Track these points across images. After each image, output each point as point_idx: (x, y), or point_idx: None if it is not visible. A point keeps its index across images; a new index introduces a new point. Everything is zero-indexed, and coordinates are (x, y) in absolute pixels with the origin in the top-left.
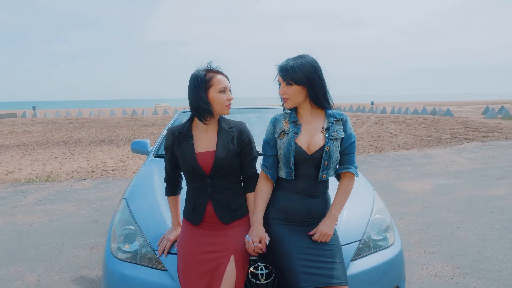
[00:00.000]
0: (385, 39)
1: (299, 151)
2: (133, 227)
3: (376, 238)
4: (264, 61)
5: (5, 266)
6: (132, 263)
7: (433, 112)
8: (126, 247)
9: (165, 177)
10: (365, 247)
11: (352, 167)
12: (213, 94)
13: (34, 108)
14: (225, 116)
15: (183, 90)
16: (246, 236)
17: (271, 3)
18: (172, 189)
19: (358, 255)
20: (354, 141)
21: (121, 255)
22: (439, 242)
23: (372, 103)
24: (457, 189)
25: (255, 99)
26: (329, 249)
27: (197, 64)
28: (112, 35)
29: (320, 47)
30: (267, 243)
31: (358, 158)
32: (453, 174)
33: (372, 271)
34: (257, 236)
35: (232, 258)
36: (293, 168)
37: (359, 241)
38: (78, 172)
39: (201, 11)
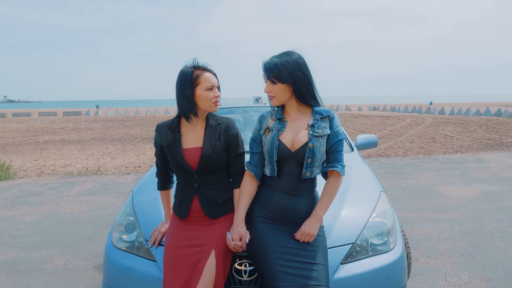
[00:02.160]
0: (448, 35)
1: (282, 148)
2: (132, 218)
3: (375, 242)
4: (323, 59)
5: (40, 250)
6: (129, 252)
7: (498, 113)
8: (124, 237)
9: (156, 171)
10: (363, 250)
11: (338, 165)
12: (200, 91)
13: (97, 107)
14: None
15: (236, 89)
16: (227, 233)
17: (328, 0)
18: (163, 184)
19: (350, 258)
20: (341, 139)
21: (120, 244)
22: (472, 252)
23: (431, 103)
24: (506, 196)
25: None
26: (312, 249)
27: (252, 63)
28: (170, 37)
29: (377, 44)
30: (247, 241)
31: (403, 160)
32: (506, 180)
33: (364, 276)
34: (237, 234)
35: (212, 252)
36: (275, 165)
37: (352, 244)
38: (126, 167)
39: (257, 11)
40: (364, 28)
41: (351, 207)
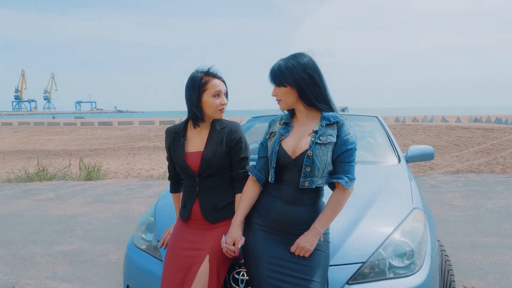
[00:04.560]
0: None
1: (282, 154)
2: (152, 219)
3: (395, 263)
4: (415, 66)
5: (101, 244)
6: (146, 252)
7: None
8: (144, 236)
9: (168, 175)
10: (381, 272)
11: (344, 177)
12: (207, 98)
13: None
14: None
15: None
16: (223, 236)
17: (416, 7)
18: (175, 187)
19: (362, 278)
20: (351, 149)
21: (140, 243)
22: None
23: None
24: None
25: (408, 109)
26: (307, 265)
27: (338, 73)
28: (258, 50)
29: (478, 49)
30: (240, 246)
31: (497, 178)
32: None
33: None
34: (231, 238)
35: (207, 257)
36: (273, 171)
37: (361, 263)
38: None
39: (344, 21)
40: (460, 33)
41: (371, 223)
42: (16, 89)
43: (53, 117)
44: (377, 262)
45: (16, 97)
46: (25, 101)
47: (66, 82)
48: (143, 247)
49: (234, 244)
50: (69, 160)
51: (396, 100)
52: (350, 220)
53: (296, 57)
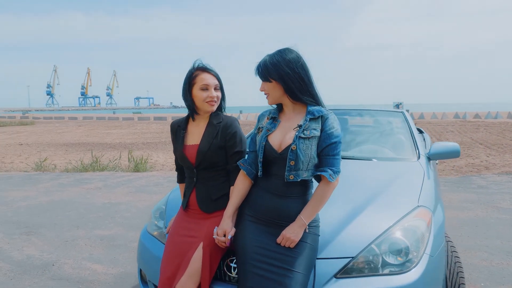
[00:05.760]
0: None
1: (268, 149)
2: (164, 207)
3: (390, 261)
4: (484, 59)
5: (135, 231)
6: (156, 239)
7: None
8: (156, 223)
9: (175, 166)
10: (375, 268)
11: (328, 170)
12: (195, 91)
13: (240, 112)
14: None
15: (378, 94)
16: (215, 227)
17: None
18: (180, 177)
19: (353, 272)
20: (335, 142)
21: (153, 229)
22: None
23: None
24: None
25: (486, 104)
26: (292, 256)
27: (393, 67)
28: (314, 44)
29: None
30: (229, 237)
31: None
32: None
33: None
34: (221, 229)
35: (201, 245)
36: (260, 165)
37: (351, 258)
38: None
39: (401, 13)
40: None
41: (368, 218)
42: (82, 86)
43: (114, 112)
44: (370, 257)
45: (82, 94)
46: (90, 97)
47: (126, 79)
48: (155, 233)
49: (225, 235)
50: (122, 153)
51: (461, 96)
52: (348, 214)
53: (281, 52)
